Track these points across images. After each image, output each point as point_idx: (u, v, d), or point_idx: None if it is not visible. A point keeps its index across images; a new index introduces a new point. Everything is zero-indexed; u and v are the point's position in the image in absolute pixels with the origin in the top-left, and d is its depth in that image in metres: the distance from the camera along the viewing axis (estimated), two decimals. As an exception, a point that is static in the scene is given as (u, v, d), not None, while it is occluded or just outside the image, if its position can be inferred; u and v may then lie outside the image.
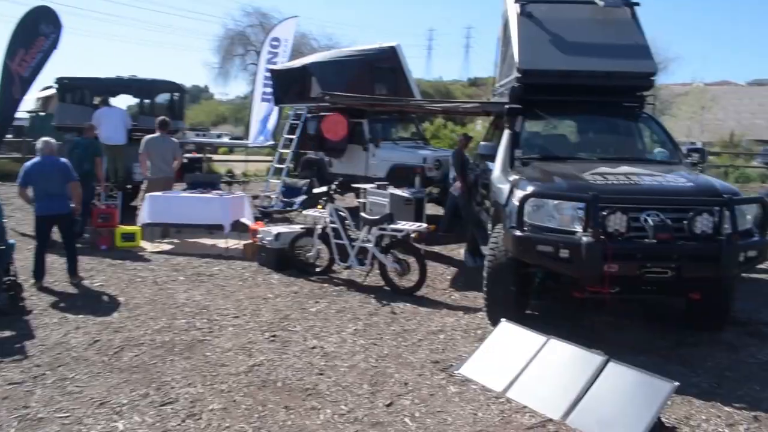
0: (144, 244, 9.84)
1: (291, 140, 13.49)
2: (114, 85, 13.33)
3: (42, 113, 18.59)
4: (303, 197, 11.02)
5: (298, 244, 8.30)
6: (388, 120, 13.58)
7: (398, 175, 12.12)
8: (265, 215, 11.09)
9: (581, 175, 6.15)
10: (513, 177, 6.36)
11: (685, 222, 5.38)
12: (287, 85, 13.81)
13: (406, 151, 12.74)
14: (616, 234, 5.31)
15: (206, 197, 9.65)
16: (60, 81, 12.69)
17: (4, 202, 8.96)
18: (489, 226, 7.40)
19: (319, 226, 8.06)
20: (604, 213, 5.32)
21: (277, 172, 13.89)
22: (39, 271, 7.46)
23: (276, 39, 15.23)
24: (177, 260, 8.96)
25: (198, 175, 11.98)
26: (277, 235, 8.45)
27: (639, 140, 7.65)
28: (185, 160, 12.10)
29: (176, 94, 13.59)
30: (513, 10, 8.26)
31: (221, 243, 10.05)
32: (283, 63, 15.15)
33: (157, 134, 10.24)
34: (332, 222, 7.93)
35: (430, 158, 12.06)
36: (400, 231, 7.45)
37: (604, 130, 7.63)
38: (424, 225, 7.34)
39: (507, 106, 7.34)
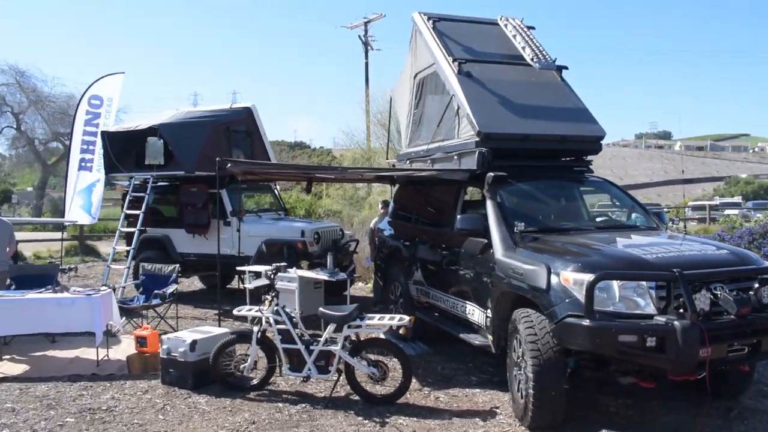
0: (-30, 369, 7.10)
1: (134, 216, 11.17)
2: None
3: None
4: (174, 287, 8.94)
5: (226, 352, 6.44)
6: (245, 189, 11.97)
7: (269, 252, 10.65)
8: (127, 312, 8.77)
9: (616, 248, 5.52)
10: (535, 255, 5.48)
11: (751, 294, 4.94)
12: (124, 151, 11.53)
13: (278, 225, 11.27)
14: (702, 314, 4.66)
15: (67, 298, 7.24)
16: None
17: None
18: (473, 310, 6.42)
19: (257, 329, 6.33)
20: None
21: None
22: None
23: (97, 97, 12.75)
24: (38, 389, 6.49)
25: (26, 266, 9.23)
26: (193, 344, 6.49)
27: (612, 206, 7.32)
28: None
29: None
30: (447, 69, 7.56)
31: (83, 355, 7.65)
32: (107, 124, 12.74)
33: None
34: (279, 322, 6.27)
35: (309, 231, 10.74)
36: (379, 327, 6.08)
37: (569, 197, 7.14)
38: (407, 318, 6.06)
39: (492, 174, 6.48)
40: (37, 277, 8.41)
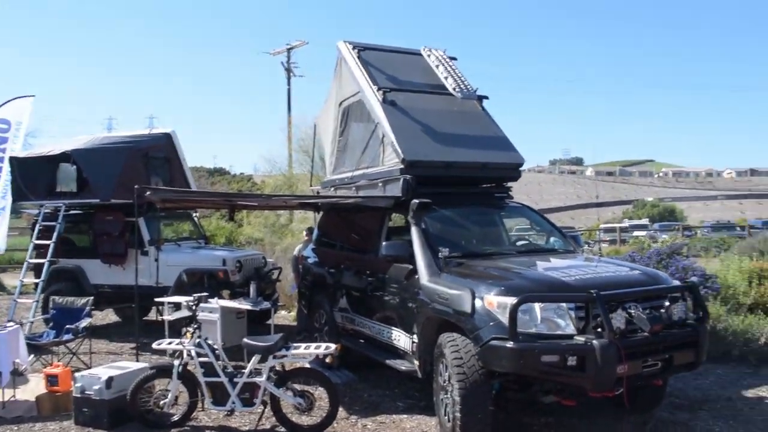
0: None
1: (44, 246, 10.61)
2: None
3: None
4: (87, 321, 8.52)
5: (144, 388, 6.17)
6: (164, 218, 11.62)
7: (190, 281, 10.36)
8: (35, 349, 8.28)
9: (537, 272, 5.69)
10: (459, 280, 5.57)
11: (662, 311, 5.19)
12: (34, 177, 10.99)
13: (198, 253, 10.98)
14: (618, 332, 4.85)
15: (-31, 336, 6.79)
16: None
17: None
18: (399, 336, 6.44)
19: (178, 363, 6.11)
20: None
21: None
22: None
23: (4, 121, 12.06)
24: (-66, 437, 6.02)
25: None
26: (109, 381, 6.19)
27: (530, 230, 7.54)
28: None
29: None
30: (372, 97, 7.65)
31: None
32: (15, 149, 12.08)
33: None
34: (202, 355, 6.08)
35: (230, 260, 10.52)
36: (305, 357, 5.98)
37: (491, 222, 7.32)
38: (333, 346, 6.00)
39: (417, 201, 6.56)
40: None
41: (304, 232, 10.73)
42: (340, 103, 8.94)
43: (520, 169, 7.71)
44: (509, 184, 7.84)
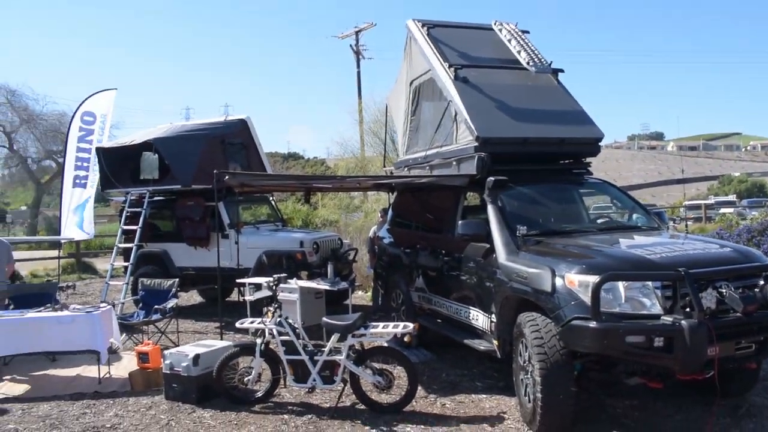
0: (-31, 390, 7.03)
1: (131, 231, 11.10)
2: None
3: None
4: (173, 301, 8.87)
5: (229, 366, 6.39)
6: (242, 202, 11.93)
7: (269, 263, 10.60)
8: (127, 328, 8.71)
9: (620, 249, 5.51)
10: (538, 258, 5.46)
11: (757, 291, 4.93)
12: (120, 166, 11.49)
13: (276, 236, 11.22)
14: (708, 312, 4.64)
15: (67, 316, 7.17)
16: None
17: None
18: (477, 316, 6.39)
19: (260, 341, 6.28)
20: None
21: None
22: None
23: (89, 114, 12.69)
24: (41, 409, 6.41)
25: (24, 286, 9.16)
26: (196, 358, 6.44)
27: (610, 207, 7.32)
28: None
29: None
30: (444, 75, 7.56)
31: (85, 373, 7.59)
32: (101, 140, 12.69)
33: (-19, 236, 7.53)
34: (283, 334, 6.22)
35: (307, 241, 10.70)
36: (384, 336, 6.03)
37: (569, 199, 7.13)
38: (411, 325, 6.02)
39: (492, 179, 6.47)
40: (36, 295, 8.32)
41: (378, 214, 10.77)
42: (411, 83, 8.89)
43: (599, 144, 7.46)
44: (588, 159, 7.62)
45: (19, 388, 7.14)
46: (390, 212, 9.45)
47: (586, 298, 4.80)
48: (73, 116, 12.90)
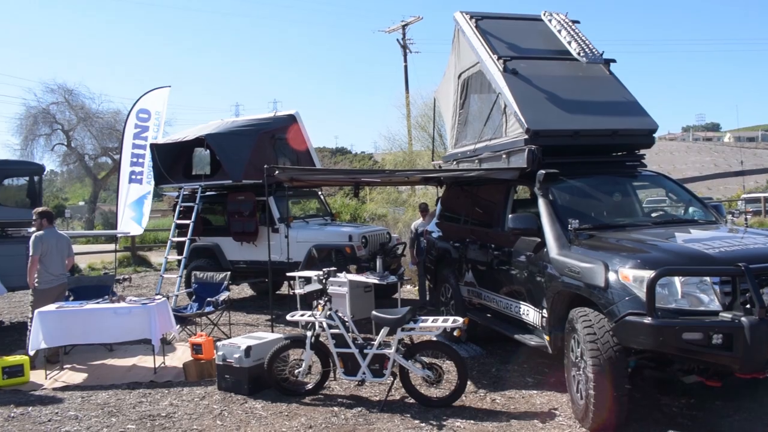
0: (35, 377, 7.30)
1: (184, 226, 11.35)
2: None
3: None
4: (225, 294, 9.04)
5: (280, 358, 6.48)
6: (292, 196, 12.07)
7: (319, 257, 10.71)
8: (181, 320, 8.91)
9: (676, 243, 5.37)
10: (591, 252, 5.36)
11: None
12: (173, 162, 11.76)
13: (325, 230, 11.31)
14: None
15: (124, 308, 7.38)
16: None
17: None
18: (528, 311, 6.32)
19: (310, 334, 6.35)
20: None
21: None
22: None
23: (144, 111, 13.02)
24: (99, 397, 6.63)
25: (83, 278, 9.47)
26: (248, 350, 6.55)
27: (665, 201, 7.13)
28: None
29: (36, 176, 10.87)
30: (492, 67, 7.48)
31: (141, 363, 7.83)
32: (155, 137, 13.00)
33: (44, 230, 7.81)
34: (333, 327, 6.28)
35: (356, 235, 10.75)
36: (433, 330, 6.02)
37: (623, 192, 6.97)
38: (461, 319, 5.99)
39: (543, 172, 6.37)
40: (94, 288, 8.61)
41: (419, 209, 10.73)
42: (459, 75, 8.82)
43: (654, 135, 7.27)
44: (642, 151, 7.43)
45: (79, 377, 7.40)
46: (438, 206, 9.42)
47: (641, 293, 4.68)
48: (128, 114, 13.25)
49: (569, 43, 7.90)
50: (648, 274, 4.64)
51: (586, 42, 7.83)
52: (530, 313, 6.35)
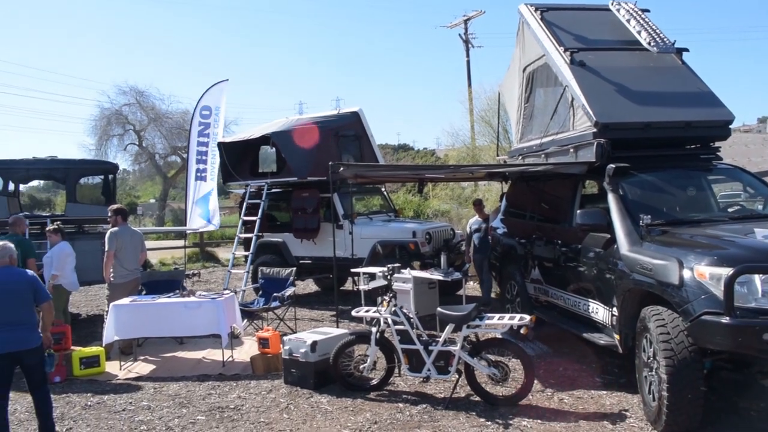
0: (110, 368, 7.59)
1: (251, 222, 11.58)
2: (33, 169, 10.88)
3: None
4: (291, 290, 9.18)
5: (345, 353, 6.53)
6: (355, 193, 12.13)
7: (383, 253, 10.71)
8: (248, 315, 9.11)
9: (755, 240, 5.12)
10: (664, 249, 5.18)
11: None
12: (240, 160, 12.02)
13: (389, 226, 11.32)
14: None
15: (194, 302, 7.60)
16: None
17: None
18: (597, 309, 6.16)
19: (375, 330, 6.37)
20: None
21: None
22: (-1, 436, 5.17)
23: (206, 108, 13.32)
24: (170, 388, 6.84)
25: (155, 273, 9.80)
26: (314, 345, 6.63)
27: (742, 194, 6.83)
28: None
29: (110, 175, 11.31)
30: (559, 59, 7.31)
31: (209, 356, 8.04)
32: (216, 133, 13.29)
33: (118, 227, 8.11)
34: (397, 323, 6.28)
35: (420, 232, 10.71)
36: (499, 327, 5.94)
37: (697, 186, 6.71)
38: (528, 317, 5.89)
39: (613, 166, 6.20)
40: (165, 282, 8.89)
41: (473, 205, 10.58)
42: (524, 69, 8.68)
43: (729, 127, 6.96)
44: (717, 143, 7.13)
45: (151, 368, 7.66)
46: (503, 202, 9.29)
47: (718, 291, 4.49)
48: (193, 112, 13.57)
49: (639, 32, 7.67)
50: (726, 271, 4.45)
51: (657, 31, 7.58)
52: (599, 311, 6.19)
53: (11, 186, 11.24)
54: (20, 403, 6.40)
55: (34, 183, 30.85)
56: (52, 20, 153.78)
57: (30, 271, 5.54)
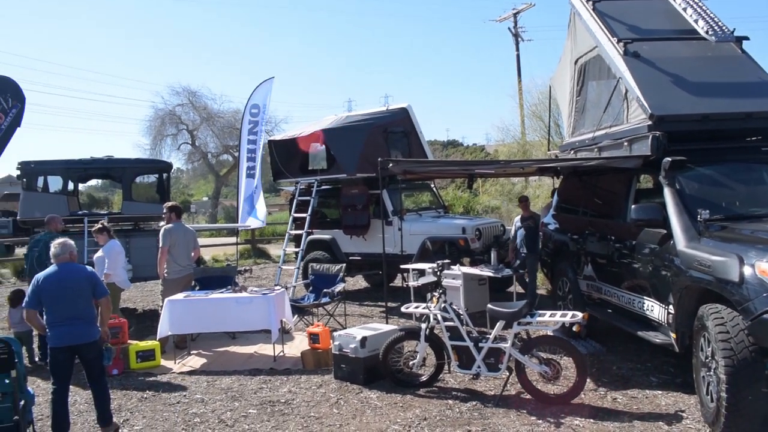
0: (165, 362, 7.79)
1: (301, 219, 11.71)
2: (91, 168, 11.25)
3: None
4: (341, 286, 9.24)
5: (395, 349, 6.53)
6: (405, 189, 12.12)
7: (433, 249, 10.67)
8: (298, 310, 9.21)
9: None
10: (723, 245, 5.00)
11: None
12: (290, 157, 12.15)
13: (438, 222, 11.27)
14: None
15: (246, 297, 7.73)
16: (25, 166, 10.54)
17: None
18: (652, 306, 5.99)
19: (425, 326, 6.35)
20: None
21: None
22: (60, 426, 5.36)
23: (255, 106, 13.51)
24: (223, 382, 6.97)
25: (208, 269, 10.00)
26: (364, 341, 6.66)
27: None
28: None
29: (164, 173, 11.60)
30: (612, 50, 7.13)
31: (261, 351, 8.16)
32: (262, 130, 13.46)
33: (172, 224, 8.31)
34: (447, 319, 6.25)
35: (470, 228, 10.63)
36: (551, 325, 5.85)
37: (758, 180, 6.45)
38: (580, 314, 5.78)
39: (669, 159, 6.03)
40: (218, 278, 9.07)
41: (519, 201, 10.42)
42: (576, 61, 8.52)
43: (795, 118, 6.67)
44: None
45: (204, 362, 7.82)
46: (555, 198, 9.14)
47: (782, 289, 4.32)
48: (244, 112, 13.78)
49: (696, 21, 7.42)
50: (790, 268, 4.27)
51: (715, 19, 7.33)
52: (655, 309, 6.02)
53: (70, 185, 11.61)
54: (80, 395, 6.62)
55: (92, 182, 31.82)
56: (109, 27, 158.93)
57: (89, 267, 5.72)
